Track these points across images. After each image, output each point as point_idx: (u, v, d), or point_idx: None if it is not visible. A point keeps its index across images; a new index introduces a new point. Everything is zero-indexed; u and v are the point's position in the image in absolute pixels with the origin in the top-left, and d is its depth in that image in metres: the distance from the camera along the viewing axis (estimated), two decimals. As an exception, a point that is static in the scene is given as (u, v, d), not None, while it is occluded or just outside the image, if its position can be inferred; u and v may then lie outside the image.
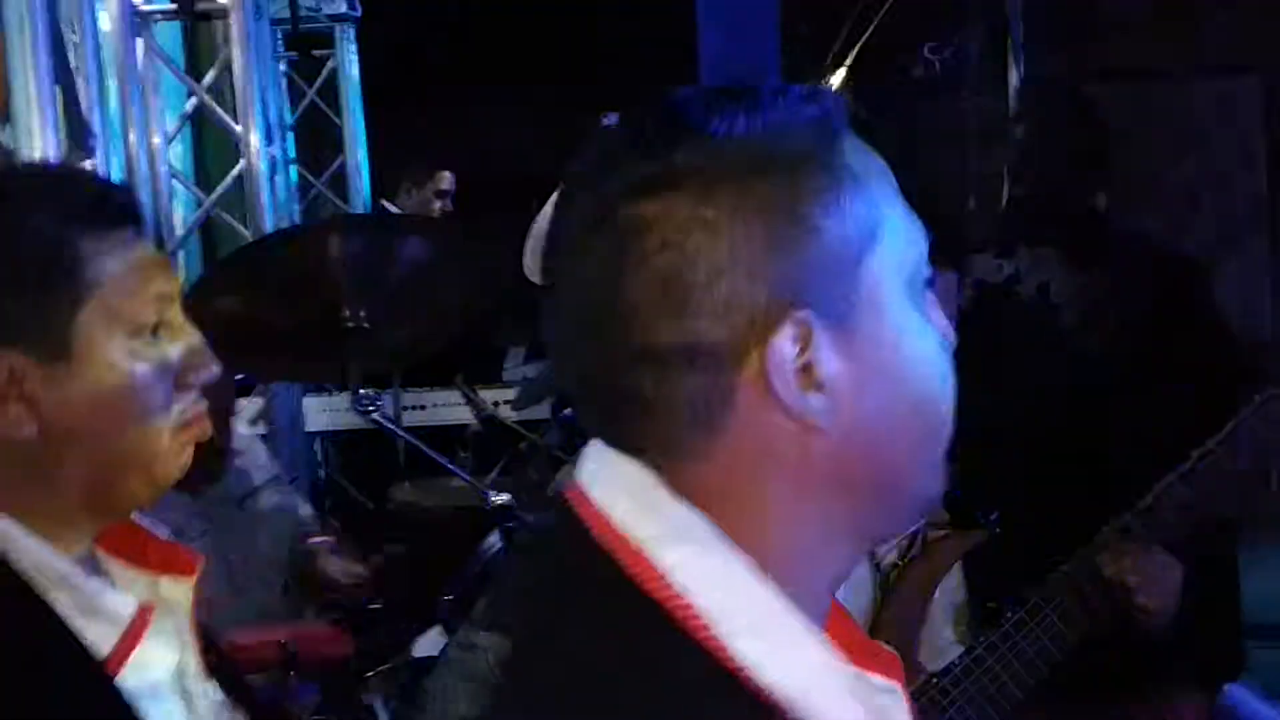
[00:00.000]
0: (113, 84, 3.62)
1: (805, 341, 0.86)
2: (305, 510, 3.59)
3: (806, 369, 0.86)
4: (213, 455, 3.12)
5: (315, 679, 2.84)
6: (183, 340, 1.39)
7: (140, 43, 4.46)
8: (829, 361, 0.86)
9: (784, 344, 0.85)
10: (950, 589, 2.25)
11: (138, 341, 1.35)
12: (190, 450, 1.41)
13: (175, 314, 1.40)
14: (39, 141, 2.29)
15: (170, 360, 1.37)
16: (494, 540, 2.80)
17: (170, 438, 1.38)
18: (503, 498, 2.67)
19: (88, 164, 2.48)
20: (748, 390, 0.86)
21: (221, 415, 2.79)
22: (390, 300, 2.75)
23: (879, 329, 0.88)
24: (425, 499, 4.02)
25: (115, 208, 1.38)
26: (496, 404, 5.25)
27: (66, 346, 1.32)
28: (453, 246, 2.83)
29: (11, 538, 1.33)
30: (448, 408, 5.11)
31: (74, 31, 2.53)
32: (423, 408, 5.17)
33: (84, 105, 2.48)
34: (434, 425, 5.00)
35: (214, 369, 1.40)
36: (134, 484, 1.38)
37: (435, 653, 3.41)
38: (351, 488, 5.84)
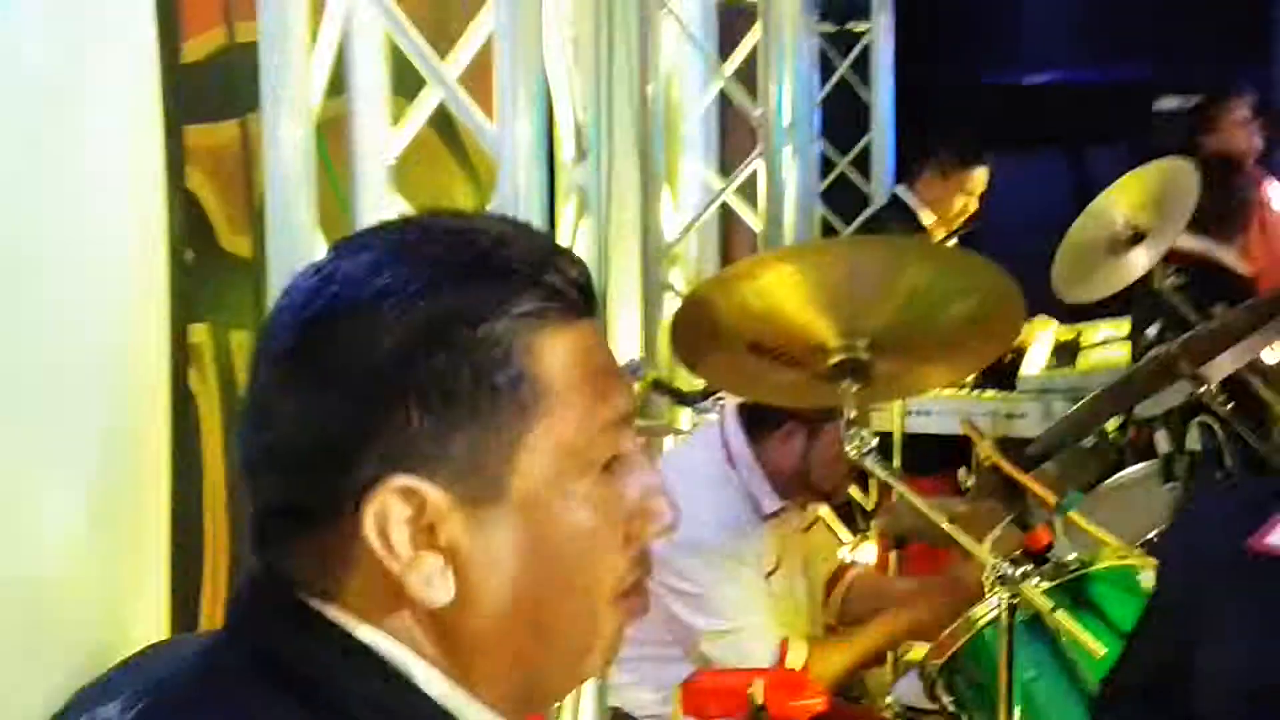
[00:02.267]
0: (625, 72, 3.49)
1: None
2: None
3: None
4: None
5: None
6: (637, 476, 1.05)
7: (670, 22, 4.35)
8: None
9: None
10: None
11: (586, 480, 1.02)
12: (623, 633, 1.07)
13: (630, 441, 1.05)
14: (526, 142, 2.15)
15: (623, 506, 1.04)
16: (992, 605, 2.50)
17: (608, 612, 1.05)
18: (1007, 569, 2.35)
19: (578, 172, 2.32)
20: None
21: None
22: (892, 329, 2.47)
23: None
24: (917, 520, 3.75)
25: (572, 292, 1.02)
26: (1010, 416, 4.90)
27: (496, 483, 0.99)
28: (964, 271, 2.52)
29: None
30: (955, 416, 4.79)
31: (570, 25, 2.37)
32: (928, 414, 4.87)
33: (575, 110, 2.32)
34: (937, 435, 4.71)
35: (669, 516, 1.06)
36: (559, 671, 1.05)
37: (913, 700, 3.16)
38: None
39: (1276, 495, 1.98)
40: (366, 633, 1.00)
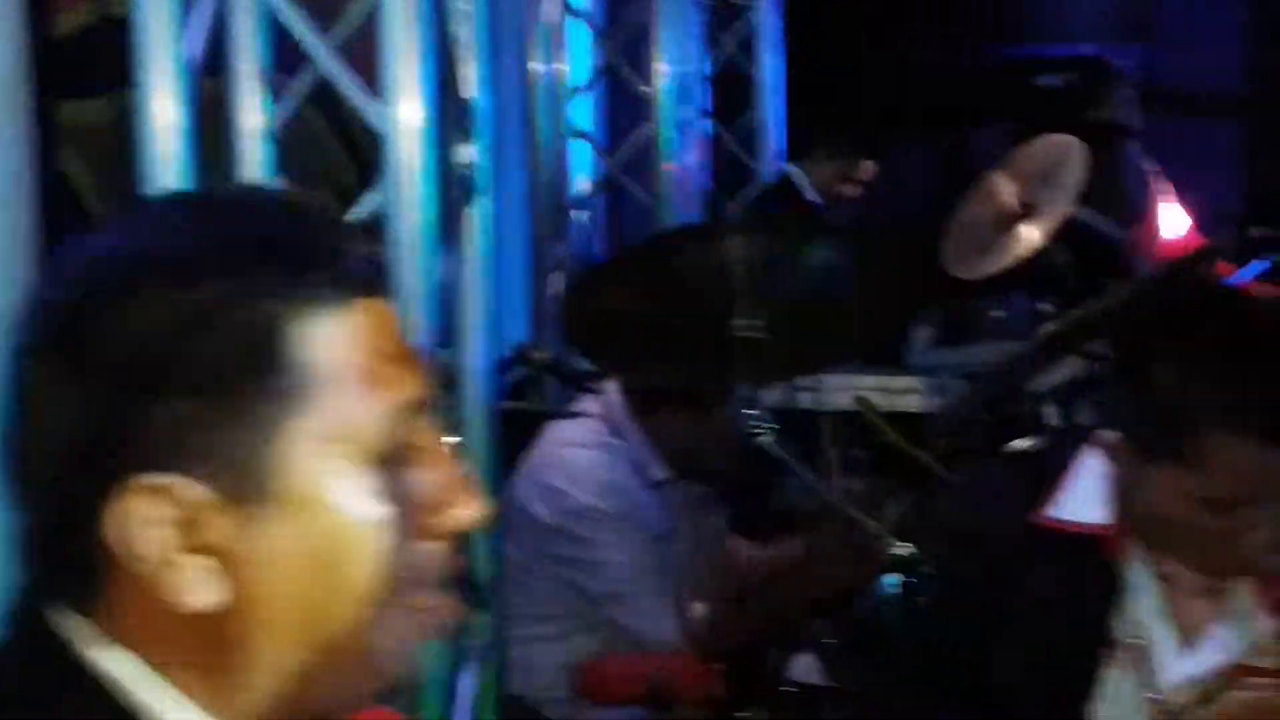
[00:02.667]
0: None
1: None
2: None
3: None
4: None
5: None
6: (433, 470, 0.98)
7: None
8: None
9: None
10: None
11: (367, 472, 0.94)
12: (417, 640, 0.99)
13: (423, 430, 0.98)
14: (410, 120, 2.09)
15: (415, 498, 0.97)
16: (891, 581, 2.50)
17: (397, 616, 0.97)
18: (905, 549, 2.33)
19: (466, 151, 2.27)
20: None
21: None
22: (788, 309, 2.46)
23: None
24: (808, 500, 3.75)
25: (348, 271, 0.95)
26: (898, 391, 4.91)
27: (263, 479, 0.92)
28: (863, 255, 2.52)
29: None
30: (845, 392, 4.79)
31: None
32: (816, 390, 4.86)
33: (467, 82, 2.27)
34: (828, 411, 4.70)
35: (474, 511, 0.99)
36: (340, 678, 0.97)
37: (811, 679, 3.15)
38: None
39: (1052, 467, 1.98)
40: (98, 651, 0.94)
